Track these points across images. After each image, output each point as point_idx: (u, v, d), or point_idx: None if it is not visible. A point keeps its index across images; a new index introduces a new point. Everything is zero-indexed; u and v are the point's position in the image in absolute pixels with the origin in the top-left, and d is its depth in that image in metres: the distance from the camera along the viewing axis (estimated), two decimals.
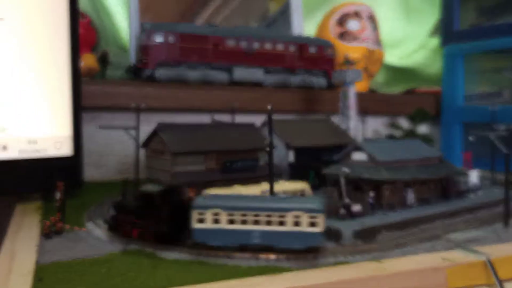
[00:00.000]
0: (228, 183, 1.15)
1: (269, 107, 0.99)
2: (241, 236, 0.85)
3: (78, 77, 1.32)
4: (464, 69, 2.18)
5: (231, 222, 0.85)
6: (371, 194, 1.11)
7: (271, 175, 0.98)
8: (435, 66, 2.51)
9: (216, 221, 0.85)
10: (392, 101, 2.30)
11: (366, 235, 0.96)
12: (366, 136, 1.80)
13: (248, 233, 0.84)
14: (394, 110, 2.25)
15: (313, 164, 1.45)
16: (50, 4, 1.26)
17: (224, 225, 0.85)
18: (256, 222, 0.84)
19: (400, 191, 1.15)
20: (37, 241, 0.94)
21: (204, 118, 1.67)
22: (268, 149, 0.95)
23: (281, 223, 0.83)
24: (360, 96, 1.81)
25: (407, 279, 0.80)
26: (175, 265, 0.83)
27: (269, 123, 0.99)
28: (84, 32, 1.57)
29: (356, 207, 1.05)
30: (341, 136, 1.63)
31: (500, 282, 0.83)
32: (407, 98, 2.40)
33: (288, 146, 1.46)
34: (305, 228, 0.83)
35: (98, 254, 0.88)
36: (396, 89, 2.56)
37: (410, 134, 1.99)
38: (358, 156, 1.21)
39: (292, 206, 0.84)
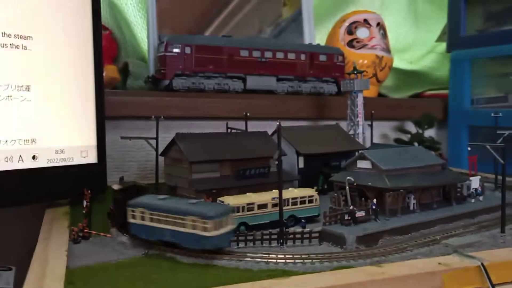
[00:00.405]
0: (242, 189, 1.23)
1: (277, 123, 1.06)
2: (157, 233, 0.97)
3: (102, 89, 1.38)
4: (470, 74, 2.20)
5: (152, 220, 0.97)
6: (375, 200, 1.15)
7: (280, 184, 1.06)
8: (444, 69, 2.52)
9: (143, 218, 0.99)
10: (400, 106, 2.33)
11: (369, 240, 1.02)
12: (374, 141, 1.84)
13: (162, 230, 0.96)
14: (402, 114, 2.28)
15: (322, 170, 1.52)
16: (76, 19, 1.32)
17: (147, 222, 0.98)
18: (168, 222, 0.95)
19: (402, 198, 1.20)
20: (66, 246, 0.99)
21: (220, 125, 1.73)
22: (277, 163, 1.02)
23: (183, 225, 0.94)
24: (369, 102, 1.85)
25: (404, 283, 0.84)
26: (193, 268, 0.90)
27: (278, 139, 1.06)
28: (106, 44, 1.62)
29: (360, 213, 1.11)
30: (349, 142, 1.67)
31: (494, 286, 0.87)
32: (415, 102, 2.43)
33: (298, 153, 1.51)
34: (198, 231, 0.92)
35: (122, 258, 0.95)
36: (406, 93, 2.58)
37: (418, 138, 2.02)
38: (363, 164, 1.27)
39: (190, 210, 0.93)
